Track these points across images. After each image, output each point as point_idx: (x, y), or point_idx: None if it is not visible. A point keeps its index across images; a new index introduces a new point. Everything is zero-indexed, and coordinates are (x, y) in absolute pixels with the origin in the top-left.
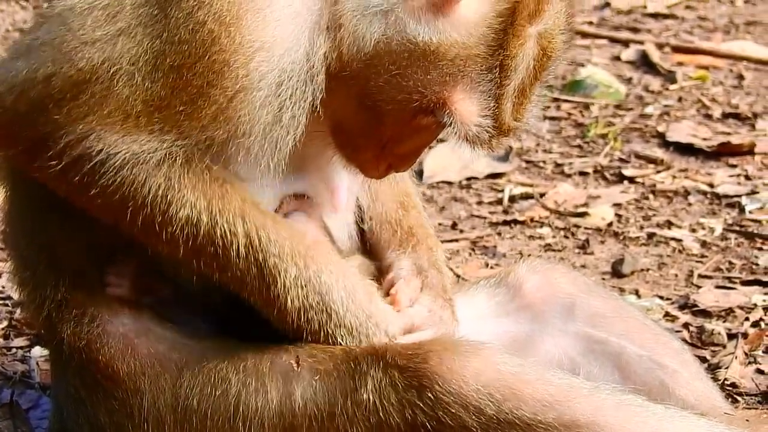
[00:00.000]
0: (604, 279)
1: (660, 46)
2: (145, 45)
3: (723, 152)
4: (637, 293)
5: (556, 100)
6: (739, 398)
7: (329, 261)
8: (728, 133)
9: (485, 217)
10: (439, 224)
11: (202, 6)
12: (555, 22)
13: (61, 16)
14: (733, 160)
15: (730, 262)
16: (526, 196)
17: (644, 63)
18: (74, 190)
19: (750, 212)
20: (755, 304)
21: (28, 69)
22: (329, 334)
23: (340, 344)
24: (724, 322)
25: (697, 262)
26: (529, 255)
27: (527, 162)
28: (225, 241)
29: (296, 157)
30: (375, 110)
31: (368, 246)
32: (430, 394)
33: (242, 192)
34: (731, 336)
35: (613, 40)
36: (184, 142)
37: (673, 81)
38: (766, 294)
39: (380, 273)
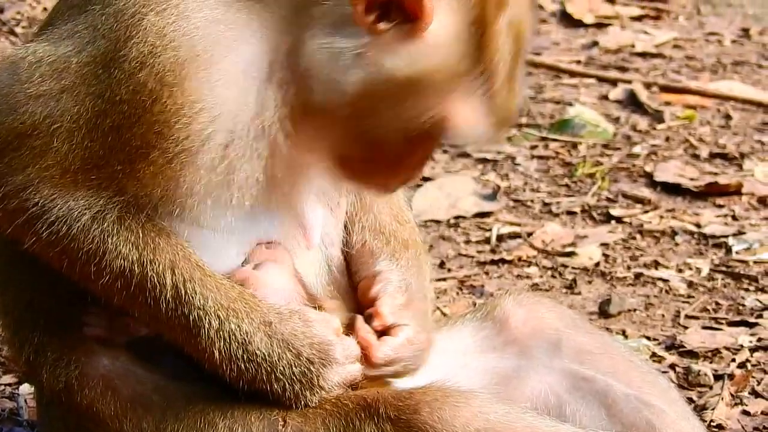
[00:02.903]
0: (591, 319)
1: (648, 86)
2: (87, 104)
3: (710, 192)
4: (624, 333)
5: (544, 139)
6: None
7: (252, 309)
8: (715, 173)
9: (473, 257)
10: None
11: (144, 66)
12: (520, 4)
13: (14, 65)
14: (720, 201)
15: (717, 303)
16: (514, 236)
17: (632, 102)
18: (16, 236)
19: (737, 253)
20: (742, 345)
21: None
22: (265, 382)
23: (280, 394)
24: (710, 363)
25: (683, 302)
26: None
27: (515, 201)
28: (155, 293)
29: (264, 200)
30: (376, 141)
31: (353, 257)
32: None
33: (176, 244)
34: (718, 377)
35: (601, 80)
36: (120, 199)
37: (661, 120)
38: (752, 335)
39: (366, 282)
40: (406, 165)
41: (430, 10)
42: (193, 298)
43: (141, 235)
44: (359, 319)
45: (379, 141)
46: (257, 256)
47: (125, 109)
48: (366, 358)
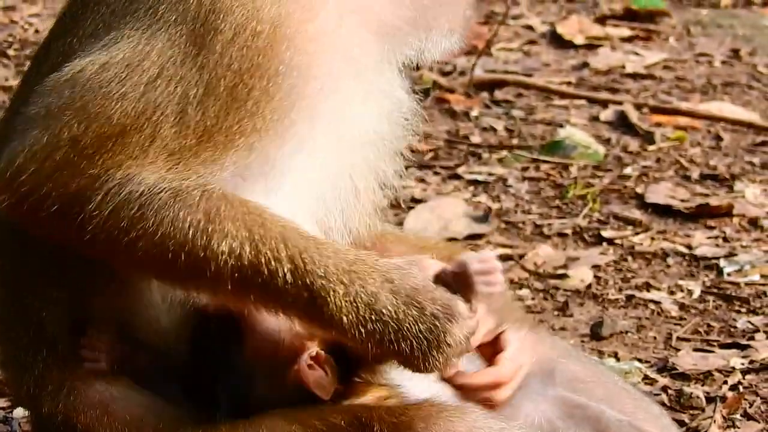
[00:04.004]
0: (583, 341)
1: (638, 107)
2: (191, 81)
3: (701, 214)
4: (616, 356)
5: (535, 160)
6: None
7: (373, 268)
8: (706, 195)
9: None
10: None
11: (250, 18)
12: None
13: (73, 79)
14: (711, 222)
15: (709, 325)
16: (506, 258)
17: (623, 123)
18: (113, 241)
19: (728, 274)
20: (734, 368)
21: (49, 134)
22: (393, 342)
23: (408, 354)
24: (702, 385)
25: (675, 324)
26: None
27: (506, 223)
28: (270, 269)
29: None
30: None
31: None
32: None
33: (281, 218)
34: (710, 399)
35: (592, 101)
36: (229, 171)
37: (652, 142)
38: (744, 357)
39: None
40: None
41: None
42: (313, 268)
43: (246, 212)
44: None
45: None
46: None
47: (242, 65)
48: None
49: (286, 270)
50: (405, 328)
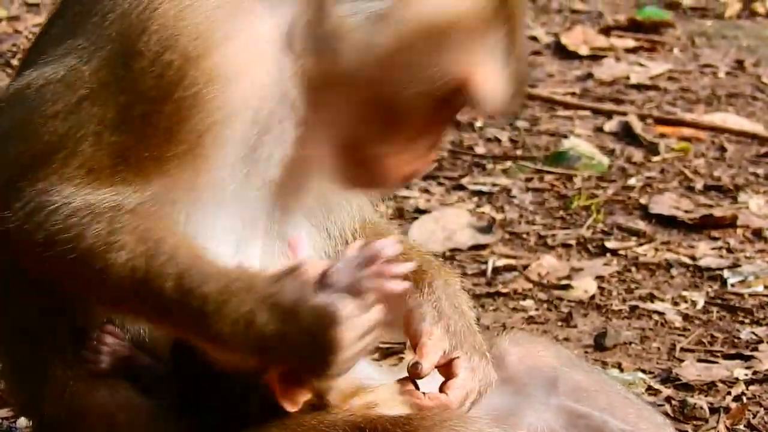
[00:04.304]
0: (586, 352)
1: (643, 118)
2: (110, 103)
3: (705, 225)
4: (619, 366)
5: (539, 171)
6: None
7: (252, 284)
8: (710, 206)
9: (469, 289)
10: None
11: (167, 48)
12: None
13: (19, 94)
14: (715, 233)
15: (712, 336)
16: (510, 268)
17: (627, 134)
18: (36, 255)
19: (732, 285)
20: (737, 378)
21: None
22: (287, 359)
23: (307, 367)
24: (706, 396)
25: (679, 335)
26: (512, 327)
27: (510, 233)
28: (157, 286)
29: (276, 191)
30: (393, 111)
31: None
32: None
33: (180, 236)
34: (713, 410)
35: (596, 112)
36: (143, 192)
37: (656, 153)
38: (748, 368)
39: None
40: (419, 147)
41: None
42: (192, 287)
43: (148, 227)
44: (409, 386)
45: (398, 111)
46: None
47: (153, 94)
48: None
49: (170, 288)
50: (290, 343)
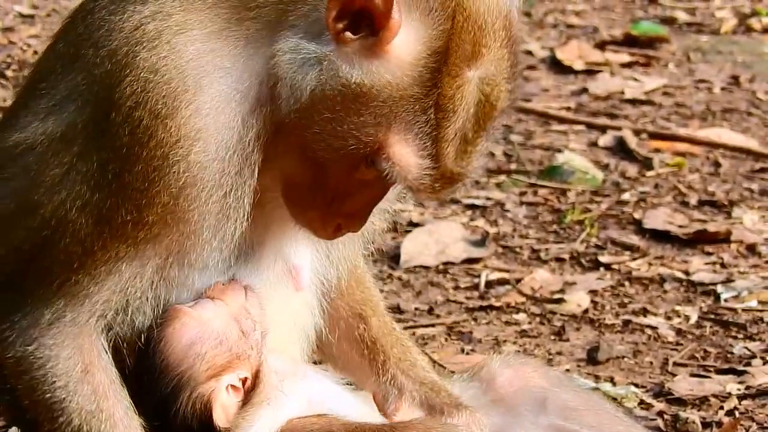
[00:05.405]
0: (579, 366)
1: (637, 133)
2: (93, 159)
3: (699, 240)
4: (612, 381)
5: (533, 185)
6: None
7: None
8: (704, 221)
9: (462, 303)
10: (416, 309)
11: (138, 104)
12: (497, 68)
13: (24, 154)
14: (708, 248)
15: (705, 351)
16: (503, 282)
17: (621, 149)
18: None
19: (725, 300)
20: (730, 393)
21: None
22: None
23: None
24: (698, 410)
25: (672, 350)
26: (505, 341)
27: (503, 247)
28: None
29: (254, 236)
30: (316, 161)
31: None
32: None
33: (105, 377)
34: (706, 425)
35: (591, 126)
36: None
37: (650, 168)
38: (740, 383)
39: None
40: (346, 207)
41: (396, 24)
42: None
43: (83, 349)
44: None
45: (320, 163)
46: (210, 292)
47: (124, 152)
48: None
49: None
50: None
